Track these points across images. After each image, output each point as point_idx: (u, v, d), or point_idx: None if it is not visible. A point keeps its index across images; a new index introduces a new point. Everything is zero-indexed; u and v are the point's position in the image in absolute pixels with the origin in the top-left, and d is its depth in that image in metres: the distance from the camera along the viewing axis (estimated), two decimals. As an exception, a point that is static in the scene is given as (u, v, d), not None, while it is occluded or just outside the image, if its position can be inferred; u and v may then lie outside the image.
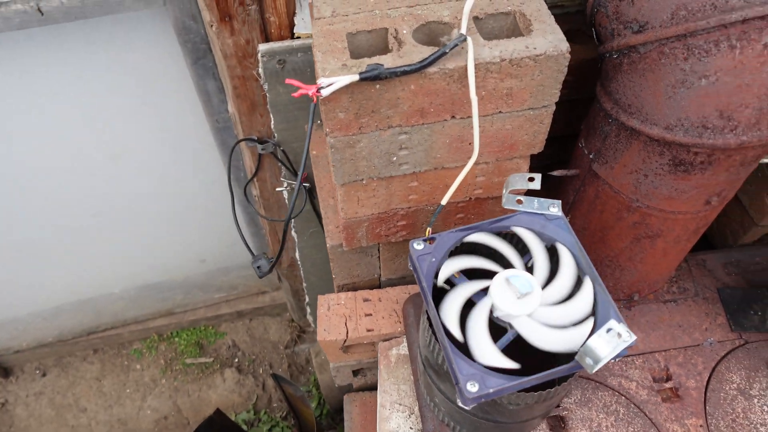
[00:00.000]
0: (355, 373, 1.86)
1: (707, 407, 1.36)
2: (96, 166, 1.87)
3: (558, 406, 1.37)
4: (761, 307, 1.47)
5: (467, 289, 0.99)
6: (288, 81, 0.94)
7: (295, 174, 1.78)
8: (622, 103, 1.08)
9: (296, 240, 2.09)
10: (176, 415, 2.71)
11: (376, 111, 1.02)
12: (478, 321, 0.95)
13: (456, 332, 0.94)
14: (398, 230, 1.37)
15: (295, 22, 1.41)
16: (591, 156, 1.23)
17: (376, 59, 0.99)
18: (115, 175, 1.90)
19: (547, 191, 1.54)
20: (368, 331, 1.55)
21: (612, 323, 0.89)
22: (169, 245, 2.41)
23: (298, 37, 1.42)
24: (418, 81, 0.99)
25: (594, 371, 0.88)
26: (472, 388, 0.91)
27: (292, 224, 2.03)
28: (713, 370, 1.42)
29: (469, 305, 0.99)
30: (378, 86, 0.98)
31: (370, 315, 1.58)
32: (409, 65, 0.95)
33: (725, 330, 1.47)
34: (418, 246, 1.06)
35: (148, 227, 2.25)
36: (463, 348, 0.95)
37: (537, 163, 1.68)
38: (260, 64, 1.41)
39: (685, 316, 1.50)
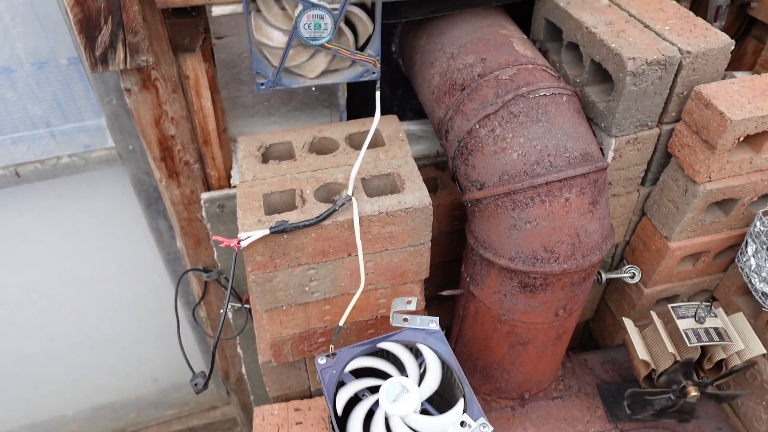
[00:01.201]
0: (293, 480, 2.00)
1: (588, 491, 1.58)
2: (57, 296, 2.08)
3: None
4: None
5: (351, 388, 1.24)
6: (215, 237, 1.23)
7: (238, 297, 2.02)
8: (479, 239, 1.40)
9: (242, 356, 2.29)
10: None
11: (286, 254, 1.31)
12: (357, 413, 1.20)
13: (339, 412, 1.17)
14: (319, 346, 1.62)
15: (232, 174, 1.73)
16: (468, 279, 1.53)
17: (284, 215, 1.29)
18: (75, 304, 2.11)
19: (452, 304, 1.83)
20: (298, 437, 1.74)
21: (465, 416, 1.14)
22: (123, 366, 2.57)
23: (234, 186, 1.74)
24: (317, 231, 1.29)
25: (456, 458, 1.12)
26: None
27: (238, 341, 2.24)
28: (595, 457, 1.65)
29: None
30: (286, 236, 1.27)
31: (301, 423, 1.77)
32: (309, 220, 1.26)
33: (604, 421, 1.72)
34: (321, 361, 1.31)
35: (103, 349, 2.42)
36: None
37: (443, 280, 1.98)
38: (203, 209, 1.71)
39: (570, 410, 1.74)
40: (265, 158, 1.48)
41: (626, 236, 1.71)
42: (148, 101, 1.44)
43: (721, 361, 1.48)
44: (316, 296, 1.44)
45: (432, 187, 1.85)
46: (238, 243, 1.23)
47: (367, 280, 1.44)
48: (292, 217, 1.28)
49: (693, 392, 1.50)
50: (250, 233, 1.23)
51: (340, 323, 1.35)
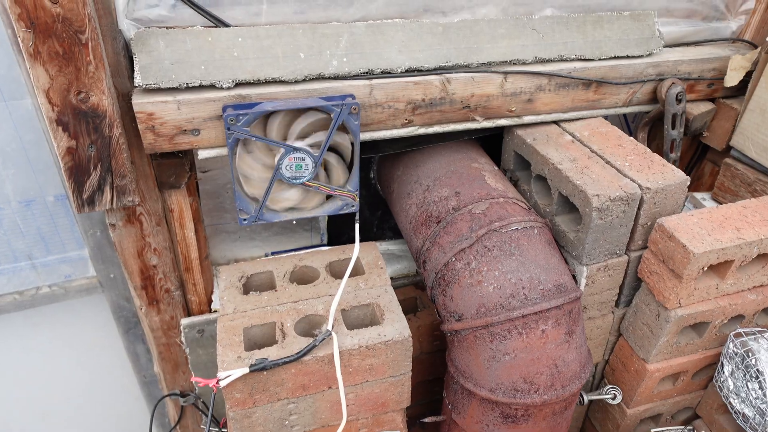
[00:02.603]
0: None
1: None
2: (31, 425, 2.00)
3: None
4: None
5: None
6: (193, 378, 1.22)
7: (216, 421, 1.96)
8: (460, 369, 1.41)
9: (218, 481, 2.19)
10: None
11: (266, 389, 1.30)
12: None
13: None
14: (299, 478, 1.56)
15: (213, 299, 1.73)
16: (450, 406, 1.52)
17: (265, 351, 1.29)
18: None
19: (437, 426, 1.79)
20: None
21: None
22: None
23: (215, 311, 1.74)
24: (297, 366, 1.28)
25: None
26: None
27: (214, 465, 2.15)
28: None
29: None
30: (265, 373, 1.26)
31: None
32: (289, 356, 1.26)
33: None
34: (302, 502, 1.27)
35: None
36: None
37: (427, 398, 1.96)
38: (182, 334, 1.70)
39: None
40: (246, 288, 1.50)
41: (605, 356, 1.72)
42: (132, 234, 1.47)
43: (709, 488, 1.46)
44: (296, 430, 1.41)
45: (412, 307, 1.87)
46: (217, 382, 1.22)
47: (348, 412, 1.43)
48: (272, 352, 1.28)
49: None
50: (230, 372, 1.22)
51: (321, 461, 1.32)
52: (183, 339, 1.72)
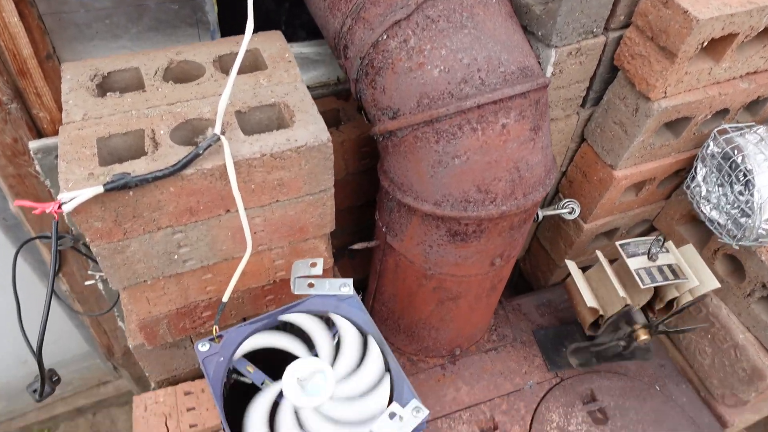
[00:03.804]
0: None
1: (529, 453, 1.41)
2: None
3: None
4: (571, 343, 1.56)
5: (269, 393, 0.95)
6: (17, 202, 0.86)
7: (106, 264, 1.65)
8: (396, 181, 1.11)
9: (125, 329, 1.94)
10: None
11: (138, 215, 0.96)
12: (257, 410, 0.93)
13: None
14: (205, 321, 1.31)
15: (72, 113, 1.32)
16: (384, 229, 1.25)
17: (128, 164, 0.93)
18: None
19: (369, 254, 1.55)
20: (192, 426, 1.45)
21: (394, 407, 0.90)
22: (-18, 350, 2.14)
23: (78, 129, 1.33)
24: (176, 183, 0.94)
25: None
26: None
27: (115, 313, 1.88)
28: (534, 412, 1.48)
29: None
30: (132, 193, 0.92)
31: (193, 409, 1.48)
32: (160, 170, 0.91)
33: (543, 371, 1.55)
34: (203, 347, 1.02)
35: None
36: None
37: (355, 226, 1.70)
38: (36, 162, 1.30)
39: (506, 362, 1.56)
40: (102, 90, 1.10)
41: (562, 166, 1.48)
42: None
43: (673, 299, 1.32)
44: (191, 264, 1.12)
45: (334, 121, 1.52)
46: (60, 207, 0.87)
47: (257, 240, 1.14)
48: (139, 166, 0.93)
49: (643, 336, 1.34)
50: (76, 193, 0.87)
51: (224, 299, 1.05)
52: (38, 167, 1.32)
